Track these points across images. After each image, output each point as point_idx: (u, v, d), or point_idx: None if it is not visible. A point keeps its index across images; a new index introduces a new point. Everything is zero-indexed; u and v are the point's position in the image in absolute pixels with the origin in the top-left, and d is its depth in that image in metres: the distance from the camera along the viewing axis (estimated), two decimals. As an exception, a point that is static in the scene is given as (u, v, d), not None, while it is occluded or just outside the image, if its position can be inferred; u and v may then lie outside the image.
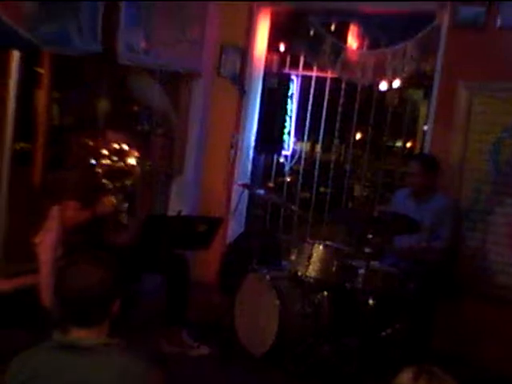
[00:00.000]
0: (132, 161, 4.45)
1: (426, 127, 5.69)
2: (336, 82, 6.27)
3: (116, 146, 4.47)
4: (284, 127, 6.49)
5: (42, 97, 5.31)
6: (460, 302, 5.07)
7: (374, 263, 4.59)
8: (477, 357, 4.90)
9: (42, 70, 5.28)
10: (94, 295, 2.21)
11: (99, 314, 2.25)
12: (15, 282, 4.42)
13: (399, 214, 4.67)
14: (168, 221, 4.77)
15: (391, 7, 5.70)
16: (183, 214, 5.34)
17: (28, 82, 5.13)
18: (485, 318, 5.02)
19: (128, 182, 4.44)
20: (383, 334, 4.49)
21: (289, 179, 6.80)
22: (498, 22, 5.06)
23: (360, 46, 6.08)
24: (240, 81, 6.34)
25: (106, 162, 4.42)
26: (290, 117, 6.57)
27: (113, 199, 4.36)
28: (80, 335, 2.21)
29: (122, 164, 4.43)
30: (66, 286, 2.25)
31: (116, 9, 5.23)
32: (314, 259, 4.62)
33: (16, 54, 4.81)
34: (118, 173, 4.43)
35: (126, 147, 4.48)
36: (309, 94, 6.47)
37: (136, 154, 4.45)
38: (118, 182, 4.42)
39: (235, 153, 6.39)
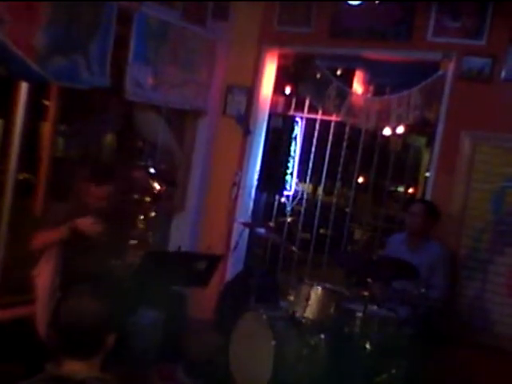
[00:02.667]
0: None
1: (428, 174, 5.71)
2: (340, 125, 6.33)
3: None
4: (287, 168, 6.54)
5: (47, 129, 5.34)
6: (457, 350, 5.03)
7: (372, 307, 4.57)
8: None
9: (48, 103, 5.33)
10: (89, 328, 2.21)
11: (93, 347, 2.24)
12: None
13: (399, 259, 4.68)
14: (167, 256, 4.78)
15: (397, 55, 5.78)
16: (183, 250, 5.36)
17: (34, 113, 5.17)
18: (481, 368, 4.97)
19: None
20: (379, 379, 4.46)
21: (289, 219, 6.82)
22: (503, 74, 5.13)
23: (365, 92, 6.16)
24: (245, 121, 6.40)
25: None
26: (293, 158, 6.61)
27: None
28: (73, 368, 2.21)
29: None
30: (63, 318, 2.25)
31: (125, 45, 5.31)
32: (311, 301, 4.60)
33: (24, 86, 4.87)
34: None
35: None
36: (313, 136, 6.52)
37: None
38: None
39: (237, 191, 6.41)
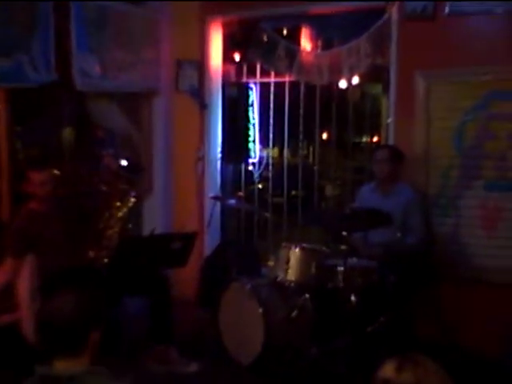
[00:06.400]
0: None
1: (389, 120, 5.73)
2: (294, 85, 6.30)
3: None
4: (248, 135, 6.51)
5: (1, 133, 5.27)
6: (439, 287, 5.11)
7: (352, 260, 4.60)
8: (460, 339, 4.94)
9: (-2, 106, 5.25)
10: (70, 325, 2.19)
11: (79, 344, 2.23)
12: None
13: (371, 209, 4.70)
14: (142, 241, 4.75)
15: (340, 6, 5.75)
16: (157, 232, 5.34)
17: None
18: (465, 301, 5.06)
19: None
20: (369, 329, 4.51)
21: (259, 186, 6.82)
22: (446, 10, 5.13)
23: (314, 48, 6.13)
24: (199, 94, 6.35)
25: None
26: (253, 124, 6.59)
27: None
28: (62, 366, 2.20)
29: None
30: (44, 318, 2.23)
31: (67, 35, 5.21)
32: (292, 263, 4.63)
33: (-30, 92, 4.78)
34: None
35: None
36: (269, 100, 6.50)
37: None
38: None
39: (203, 166, 6.39)
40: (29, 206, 4.59)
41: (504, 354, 4.59)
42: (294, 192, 6.78)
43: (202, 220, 6.32)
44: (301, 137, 6.49)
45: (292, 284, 4.61)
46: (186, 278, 5.86)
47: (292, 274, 4.62)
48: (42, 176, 4.49)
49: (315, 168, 6.79)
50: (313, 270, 4.60)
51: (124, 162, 4.85)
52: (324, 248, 4.88)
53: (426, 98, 5.26)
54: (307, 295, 4.57)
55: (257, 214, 6.41)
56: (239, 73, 6.63)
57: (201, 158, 6.38)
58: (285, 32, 6.25)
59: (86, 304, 2.25)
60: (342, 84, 6.04)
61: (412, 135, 5.34)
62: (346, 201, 6.41)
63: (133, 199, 4.68)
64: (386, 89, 5.93)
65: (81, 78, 5.31)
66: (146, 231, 6.17)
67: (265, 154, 6.80)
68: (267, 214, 6.17)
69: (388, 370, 1.91)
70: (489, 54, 5.02)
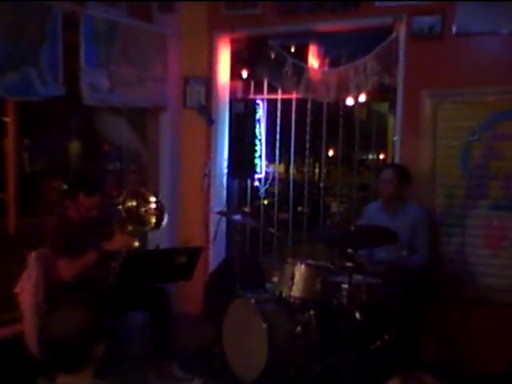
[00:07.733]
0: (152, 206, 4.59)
1: (395, 138, 5.74)
2: (301, 102, 6.33)
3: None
4: (255, 151, 6.53)
5: (9, 145, 5.30)
6: (444, 306, 5.10)
7: (357, 277, 4.59)
8: (465, 359, 4.93)
9: (7, 119, 5.28)
10: (75, 341, 2.20)
11: (82, 359, 2.23)
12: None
13: (376, 226, 4.70)
14: (146, 256, 4.75)
15: (347, 25, 5.78)
16: (161, 247, 5.34)
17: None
18: (470, 321, 5.05)
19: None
20: (373, 346, 4.50)
21: (265, 202, 6.83)
22: (454, 30, 5.16)
23: (321, 65, 6.15)
24: (207, 110, 6.38)
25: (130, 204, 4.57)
26: (260, 140, 6.61)
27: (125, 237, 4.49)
28: (66, 381, 2.20)
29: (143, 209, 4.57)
30: (49, 334, 2.24)
31: (76, 49, 5.25)
32: (296, 279, 4.61)
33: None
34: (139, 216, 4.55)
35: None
36: (276, 116, 6.53)
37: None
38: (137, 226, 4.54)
39: (209, 181, 6.40)
40: (69, 214, 4.62)
41: (508, 374, 4.57)
42: (299, 208, 6.79)
43: (208, 235, 6.32)
44: (307, 153, 6.51)
45: (296, 300, 4.60)
46: (191, 294, 5.87)
47: (297, 290, 4.60)
48: (90, 201, 4.55)
49: (321, 184, 6.80)
50: (318, 286, 4.58)
51: (153, 198, 4.75)
52: (329, 265, 4.87)
53: (432, 116, 5.28)
54: (312, 311, 4.57)
55: (262, 230, 6.41)
56: (246, 89, 6.67)
57: (207, 174, 6.40)
58: (292, 49, 6.28)
59: (89, 319, 2.25)
60: (349, 102, 6.06)
61: (418, 154, 5.34)
62: (351, 218, 6.40)
63: (136, 243, 4.63)
64: (392, 107, 5.96)
65: (89, 92, 5.34)
66: (151, 246, 6.17)
67: (271, 169, 6.82)
68: (272, 230, 6.16)
69: (392, 387, 1.92)
70: (495, 74, 5.04)
